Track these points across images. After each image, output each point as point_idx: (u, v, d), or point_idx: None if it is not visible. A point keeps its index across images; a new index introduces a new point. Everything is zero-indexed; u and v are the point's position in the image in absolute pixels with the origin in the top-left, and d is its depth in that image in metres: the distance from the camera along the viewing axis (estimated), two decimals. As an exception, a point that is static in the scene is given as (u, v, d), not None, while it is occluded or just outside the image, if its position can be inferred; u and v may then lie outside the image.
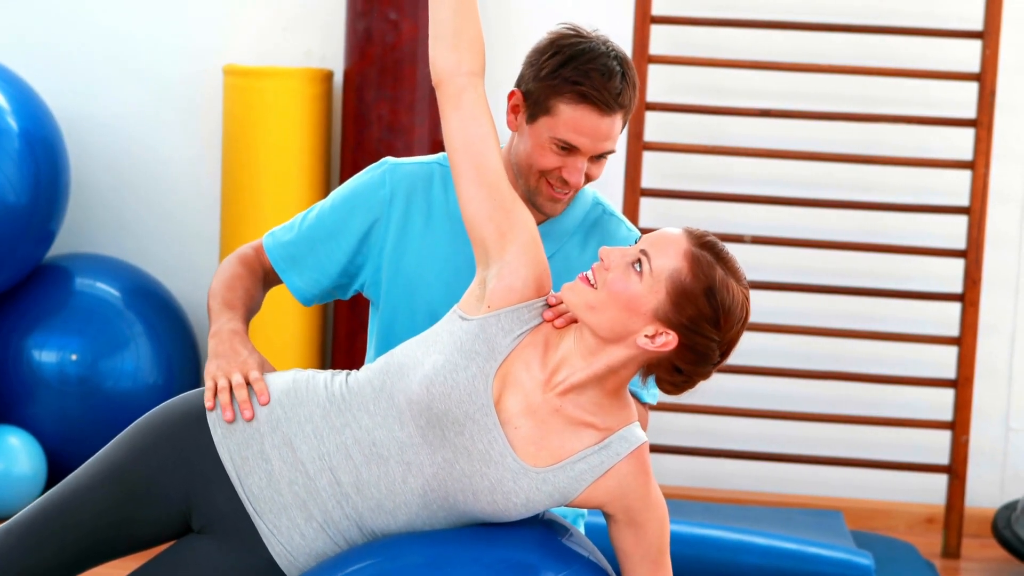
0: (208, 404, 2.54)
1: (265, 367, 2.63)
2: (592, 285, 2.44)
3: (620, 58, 2.72)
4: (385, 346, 2.81)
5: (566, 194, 2.74)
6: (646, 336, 2.43)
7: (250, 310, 2.81)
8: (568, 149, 2.70)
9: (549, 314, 2.51)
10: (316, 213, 2.86)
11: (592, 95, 2.67)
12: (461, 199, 2.55)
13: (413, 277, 2.79)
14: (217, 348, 2.66)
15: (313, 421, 2.51)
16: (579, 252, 2.80)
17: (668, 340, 2.44)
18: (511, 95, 2.76)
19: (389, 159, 2.87)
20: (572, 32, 2.74)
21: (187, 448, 2.53)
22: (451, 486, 2.46)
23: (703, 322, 2.43)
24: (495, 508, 2.46)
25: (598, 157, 2.72)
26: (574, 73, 2.68)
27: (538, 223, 2.79)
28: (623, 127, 2.74)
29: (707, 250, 2.44)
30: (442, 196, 2.82)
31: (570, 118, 2.69)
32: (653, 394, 2.84)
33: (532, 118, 2.72)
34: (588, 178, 2.74)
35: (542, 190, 2.74)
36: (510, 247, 2.52)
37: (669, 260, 2.43)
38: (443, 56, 2.58)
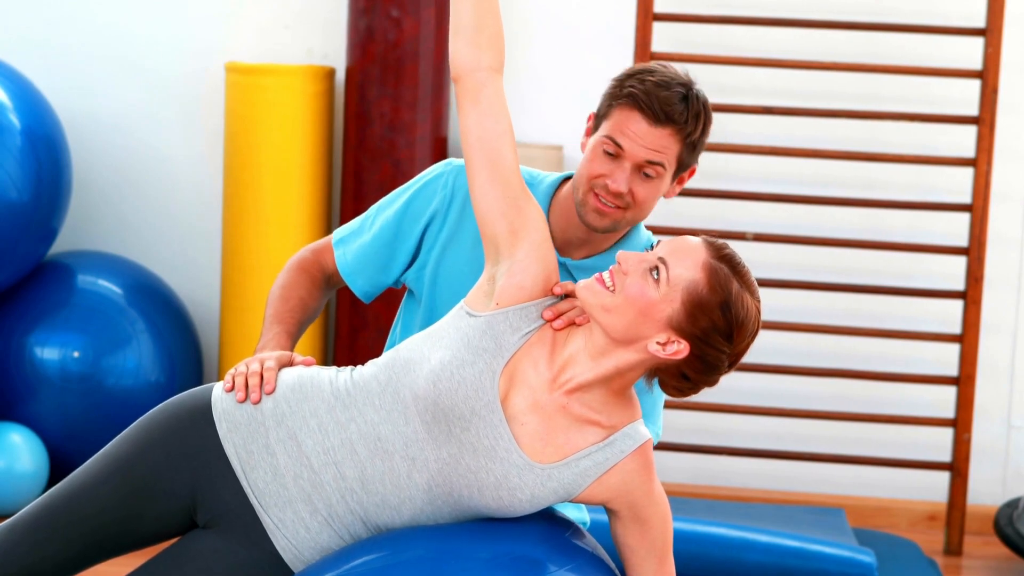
0: (226, 386, 2.55)
1: (290, 362, 2.65)
2: (608, 287, 2.45)
3: (688, 85, 2.74)
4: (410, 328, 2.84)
5: (611, 207, 2.74)
6: (658, 343, 2.44)
7: (301, 322, 2.86)
8: (615, 155, 2.72)
9: (549, 313, 2.52)
10: (383, 220, 2.88)
11: (642, 99, 2.70)
12: (474, 195, 2.55)
13: (461, 277, 2.80)
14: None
15: (318, 416, 2.51)
16: None
17: (679, 349, 2.45)
18: (589, 118, 2.81)
19: (454, 160, 2.89)
20: (652, 62, 2.80)
21: (192, 443, 2.54)
22: (456, 481, 2.47)
23: (716, 334, 2.44)
24: (500, 504, 2.47)
25: (646, 174, 2.72)
26: (634, 82, 2.72)
27: (585, 255, 2.82)
28: (682, 153, 2.73)
29: (725, 262, 2.45)
30: None
31: (619, 119, 2.72)
32: (656, 432, 2.84)
33: (594, 129, 2.77)
34: (634, 197, 2.73)
35: (588, 201, 2.75)
36: (521, 244, 2.52)
37: (687, 270, 2.44)
38: (463, 51, 2.58)
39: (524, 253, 2.53)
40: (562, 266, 2.81)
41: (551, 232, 2.76)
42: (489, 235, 2.55)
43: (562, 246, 2.82)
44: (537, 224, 2.54)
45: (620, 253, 2.48)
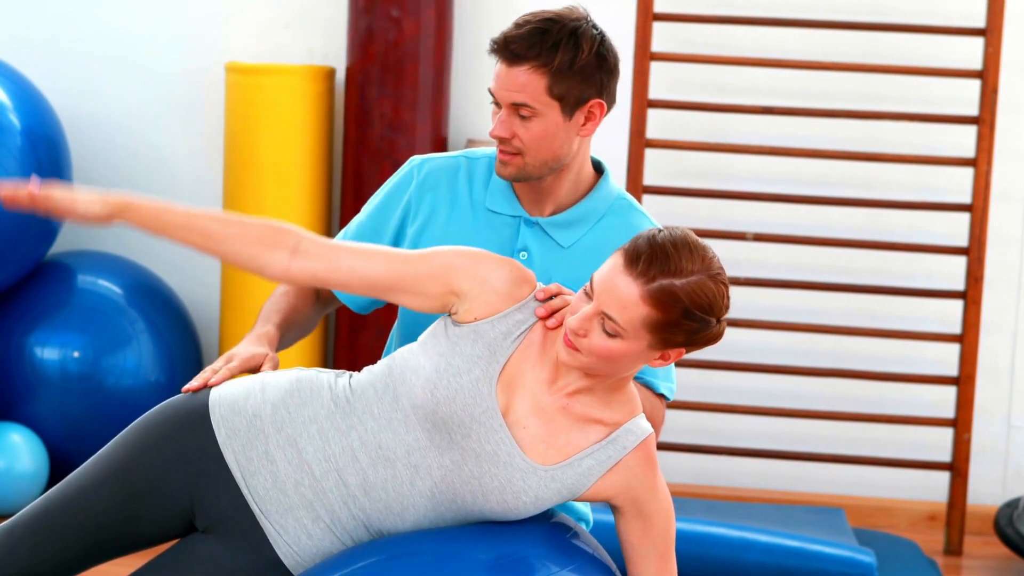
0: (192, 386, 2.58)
1: (273, 365, 2.67)
2: (577, 350, 2.43)
3: (555, 19, 2.72)
4: (410, 332, 2.84)
5: (507, 154, 2.76)
6: (656, 360, 2.46)
7: (291, 321, 2.85)
8: (497, 104, 2.76)
9: (542, 311, 2.52)
10: (356, 223, 2.92)
11: (498, 46, 2.73)
12: (404, 306, 2.54)
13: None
14: (238, 346, 2.73)
15: (318, 422, 2.51)
16: (596, 241, 2.80)
17: (676, 353, 2.46)
18: None
19: (417, 156, 2.93)
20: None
21: (190, 447, 2.53)
22: (460, 487, 2.47)
23: (698, 333, 2.42)
24: (504, 507, 2.47)
25: (522, 116, 2.73)
26: (502, 30, 2.75)
27: (553, 211, 2.82)
28: (553, 86, 2.71)
29: (660, 276, 2.38)
30: (466, 187, 2.86)
31: (494, 71, 2.76)
32: (670, 388, 2.83)
33: None
34: (521, 140, 2.74)
35: (497, 156, 2.79)
36: (461, 284, 2.49)
37: (632, 312, 2.39)
38: (268, 264, 2.52)
39: (468, 285, 2.50)
40: (536, 225, 2.81)
41: (519, 198, 2.81)
42: (439, 306, 2.52)
43: (530, 207, 2.83)
44: (448, 256, 2.51)
45: (567, 320, 2.43)
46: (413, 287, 2.50)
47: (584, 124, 2.77)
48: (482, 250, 2.55)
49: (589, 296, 2.42)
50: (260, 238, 2.50)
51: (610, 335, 2.39)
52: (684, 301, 2.38)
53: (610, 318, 2.39)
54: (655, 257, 2.39)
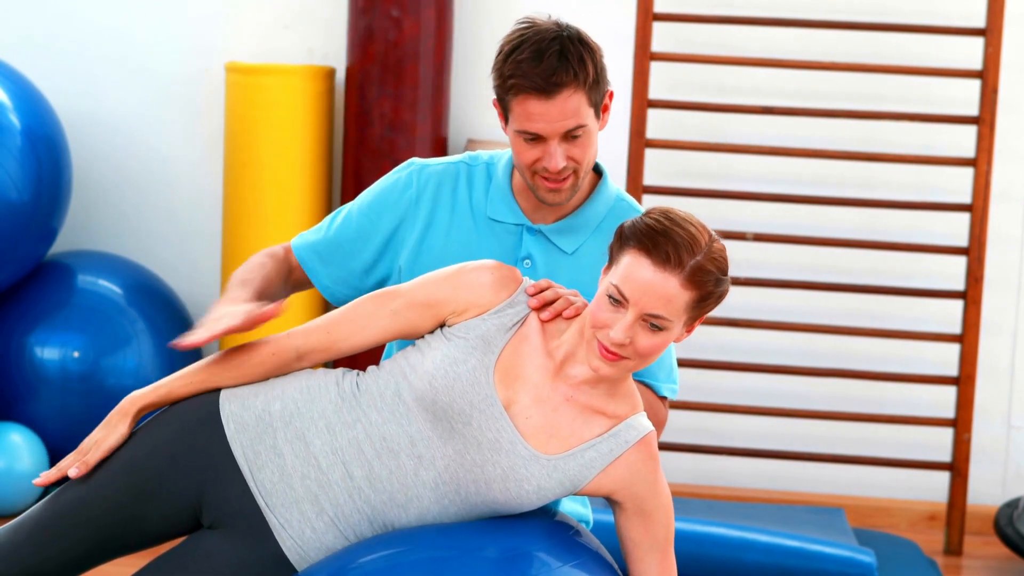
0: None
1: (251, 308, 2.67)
2: (624, 357, 2.46)
3: (558, 37, 2.71)
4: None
5: (561, 180, 2.76)
6: (683, 334, 2.50)
7: (263, 291, 2.83)
8: (535, 139, 2.73)
9: (535, 302, 2.55)
10: (344, 215, 2.91)
11: (525, 85, 2.69)
12: (411, 333, 2.61)
13: (441, 262, 2.81)
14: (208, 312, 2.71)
15: (326, 416, 2.53)
16: (600, 246, 2.80)
17: (700, 320, 2.51)
18: (494, 103, 2.81)
19: (416, 160, 2.92)
20: (519, 26, 2.76)
21: (198, 444, 2.55)
22: (463, 477, 2.49)
23: (723, 294, 2.49)
24: (507, 496, 2.49)
25: (574, 136, 2.73)
26: (510, 68, 2.71)
27: (556, 218, 2.84)
28: (590, 97, 2.72)
29: (688, 259, 2.43)
30: (466, 194, 2.86)
31: (521, 111, 2.72)
32: (672, 388, 2.84)
33: (506, 121, 2.78)
34: (575, 161, 2.74)
35: (538, 184, 2.77)
36: (448, 308, 2.56)
37: (678, 301, 2.44)
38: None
39: (455, 305, 2.56)
40: (539, 232, 2.83)
41: (520, 207, 2.83)
42: (434, 322, 2.59)
43: (532, 216, 2.84)
44: (435, 291, 2.57)
45: (608, 336, 2.45)
46: (411, 331, 2.59)
47: (602, 117, 2.80)
48: (459, 265, 2.59)
49: (622, 304, 2.45)
50: (265, 369, 2.60)
51: (658, 329, 2.44)
52: (713, 271, 2.45)
53: (656, 316, 2.43)
54: (675, 245, 2.44)
